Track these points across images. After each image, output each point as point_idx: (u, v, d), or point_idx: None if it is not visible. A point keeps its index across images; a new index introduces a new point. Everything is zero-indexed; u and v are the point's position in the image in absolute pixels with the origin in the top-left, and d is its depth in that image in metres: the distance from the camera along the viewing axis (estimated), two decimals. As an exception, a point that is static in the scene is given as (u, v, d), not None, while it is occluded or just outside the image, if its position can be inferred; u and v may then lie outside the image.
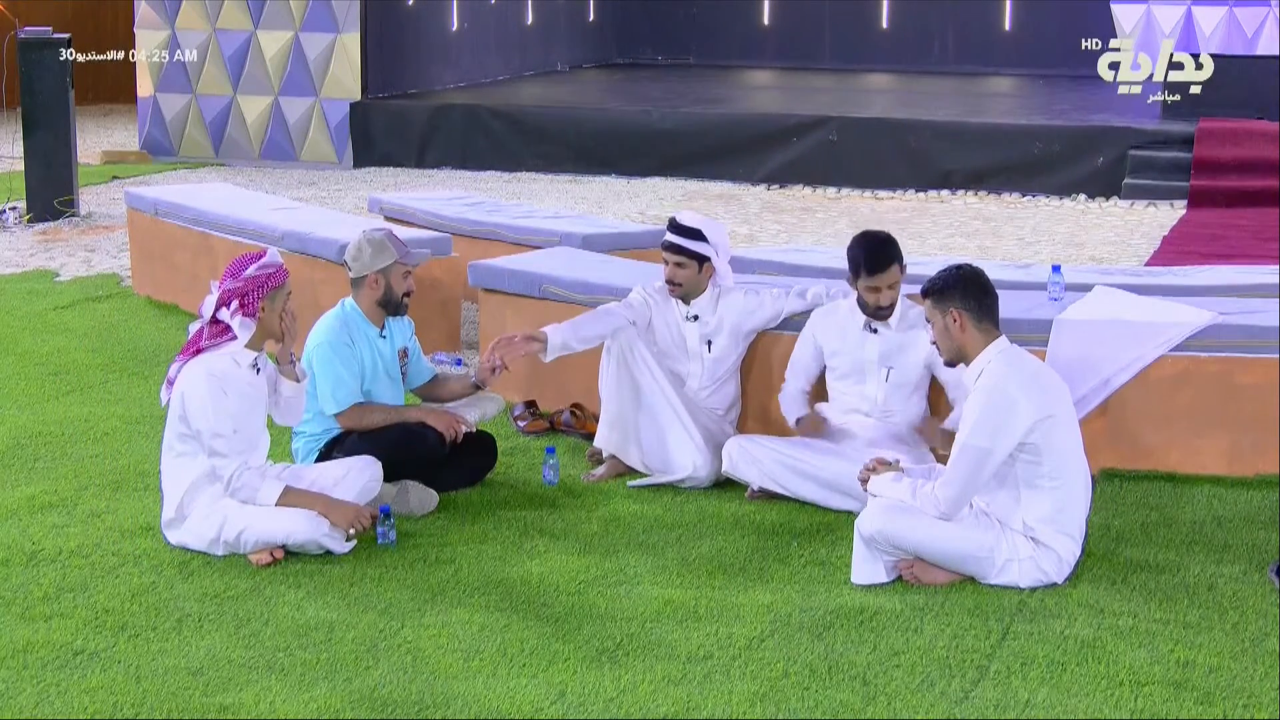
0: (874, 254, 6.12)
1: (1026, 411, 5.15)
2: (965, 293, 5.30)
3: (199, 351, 5.56)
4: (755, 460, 6.13)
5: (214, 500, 5.54)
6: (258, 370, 5.67)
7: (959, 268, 5.41)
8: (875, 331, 6.20)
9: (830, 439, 6.25)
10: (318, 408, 6.10)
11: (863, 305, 6.20)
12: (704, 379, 6.58)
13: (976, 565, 5.26)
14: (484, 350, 7.75)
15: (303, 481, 5.74)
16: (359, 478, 5.81)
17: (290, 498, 5.55)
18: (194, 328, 5.66)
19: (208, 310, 5.59)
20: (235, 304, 5.54)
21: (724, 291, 6.62)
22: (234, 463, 5.52)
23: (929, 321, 5.42)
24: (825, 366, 6.40)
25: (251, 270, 5.57)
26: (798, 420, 6.35)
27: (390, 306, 6.23)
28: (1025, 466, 5.22)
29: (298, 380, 5.79)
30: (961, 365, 5.38)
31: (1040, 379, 5.31)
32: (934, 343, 5.44)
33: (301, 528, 5.48)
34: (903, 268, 6.16)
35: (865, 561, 5.33)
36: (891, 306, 6.18)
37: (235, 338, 5.56)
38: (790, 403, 6.43)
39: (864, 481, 5.52)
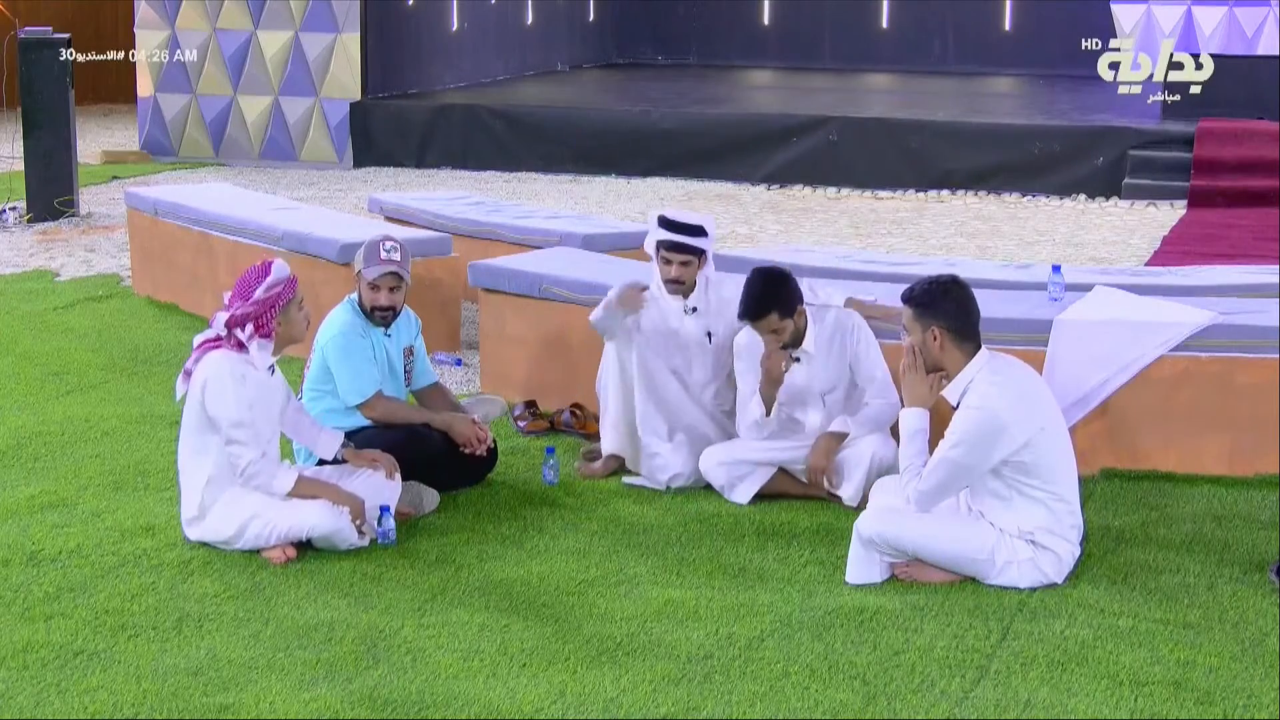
0: (751, 300, 6.06)
1: (1015, 435, 5.14)
2: (948, 312, 5.23)
3: (216, 347, 5.54)
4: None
5: (233, 501, 5.53)
6: (273, 373, 5.67)
7: (943, 282, 5.29)
8: (798, 360, 6.16)
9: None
10: (326, 406, 6.10)
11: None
12: (710, 370, 6.50)
13: (975, 568, 5.26)
14: (483, 347, 7.81)
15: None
16: (373, 481, 5.79)
17: (303, 487, 5.57)
18: (201, 336, 5.61)
19: (219, 325, 5.55)
20: (250, 327, 5.52)
21: (711, 281, 6.58)
22: (251, 452, 5.50)
23: (905, 329, 5.34)
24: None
25: (260, 292, 5.52)
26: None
27: (363, 311, 6.18)
28: (1017, 479, 5.22)
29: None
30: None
31: (1027, 395, 5.25)
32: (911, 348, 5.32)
33: (325, 520, 5.49)
34: (789, 310, 6.04)
35: (860, 562, 5.33)
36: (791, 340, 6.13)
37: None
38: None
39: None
